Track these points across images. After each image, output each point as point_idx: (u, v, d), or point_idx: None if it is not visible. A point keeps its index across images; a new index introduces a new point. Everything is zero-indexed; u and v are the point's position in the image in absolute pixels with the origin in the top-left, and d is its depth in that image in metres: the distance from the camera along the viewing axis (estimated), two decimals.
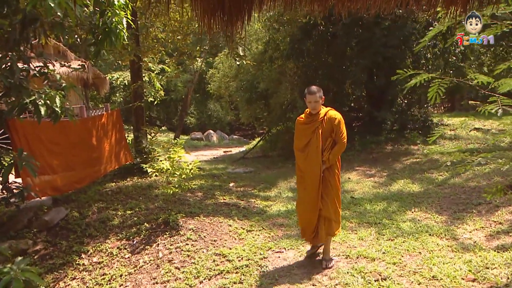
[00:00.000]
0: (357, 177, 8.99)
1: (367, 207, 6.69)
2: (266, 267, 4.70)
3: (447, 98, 21.04)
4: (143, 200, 7.48)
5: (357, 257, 4.69)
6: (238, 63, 7.82)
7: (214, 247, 5.42)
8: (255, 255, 5.01)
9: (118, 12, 4.73)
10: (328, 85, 12.76)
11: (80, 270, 5.39)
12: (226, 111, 32.85)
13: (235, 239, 5.67)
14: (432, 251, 4.66)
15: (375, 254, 4.68)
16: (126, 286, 4.81)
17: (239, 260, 4.93)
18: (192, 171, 6.22)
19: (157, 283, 4.72)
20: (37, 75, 5.37)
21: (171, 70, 28.97)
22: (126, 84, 25.36)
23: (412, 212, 6.25)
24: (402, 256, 4.60)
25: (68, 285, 5.11)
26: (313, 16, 12.06)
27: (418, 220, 5.86)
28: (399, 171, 9.00)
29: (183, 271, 4.84)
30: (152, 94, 13.16)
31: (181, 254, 5.30)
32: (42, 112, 4.00)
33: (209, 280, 4.58)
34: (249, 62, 8.43)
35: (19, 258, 3.96)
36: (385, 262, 4.48)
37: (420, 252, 4.66)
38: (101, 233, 6.28)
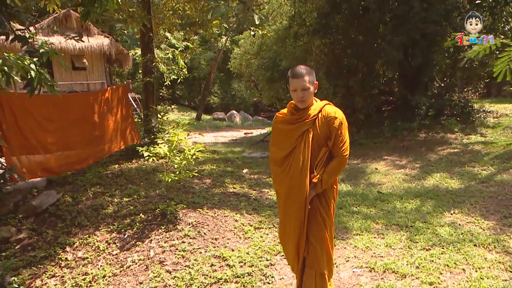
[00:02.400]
0: (385, 168, 8.06)
1: (397, 205, 5.79)
2: (272, 277, 3.93)
3: (483, 83, 19.67)
4: (144, 185, 6.78)
5: (384, 271, 3.85)
6: (253, 33, 6.92)
7: (214, 247, 4.67)
8: (260, 261, 4.23)
9: None
10: (358, 65, 11.75)
11: (61, 266, 4.75)
12: (251, 91, 32.00)
13: (239, 238, 4.90)
14: (479, 268, 3.77)
15: (406, 269, 3.83)
16: None
17: (241, 266, 4.17)
18: (194, 156, 5.45)
19: None
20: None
21: (194, 45, 28.30)
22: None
23: (451, 214, 5.32)
24: (441, 274, 3.73)
25: (45, 283, 4.48)
26: None
27: (459, 224, 4.94)
28: (434, 163, 8.01)
29: (174, 276, 4.12)
30: (176, 72, 12.49)
31: (175, 254, 4.57)
32: None
33: None
34: (265, 33, 7.55)
35: None
36: (419, 280, 3.63)
37: (463, 269, 3.79)
38: (91, 222, 5.62)
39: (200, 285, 3.90)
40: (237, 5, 6.63)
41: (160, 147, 5.35)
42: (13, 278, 4.51)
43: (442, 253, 4.14)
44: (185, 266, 4.30)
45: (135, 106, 19.16)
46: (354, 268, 3.97)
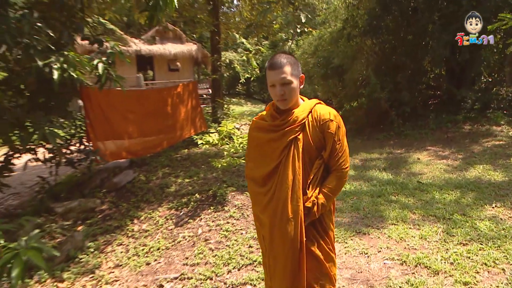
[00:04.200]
0: (428, 158, 7.05)
1: (436, 196, 4.93)
2: None
3: None
4: (204, 169, 6.47)
5: (416, 266, 3.17)
6: (299, 30, 6.34)
7: (255, 229, 4.21)
8: None
9: None
10: (406, 62, 10.55)
11: (128, 236, 4.58)
12: (312, 87, 31.13)
13: None
14: None
15: (440, 265, 3.11)
16: (159, 262, 3.86)
17: None
18: (241, 145, 5.01)
19: (187, 264, 3.68)
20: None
21: (264, 48, 27.89)
22: (228, 62, 24.70)
23: (493, 207, 4.40)
24: (478, 273, 2.98)
25: (114, 250, 4.31)
26: None
27: (501, 219, 4.04)
28: (478, 155, 6.87)
29: (215, 255, 3.74)
30: (249, 71, 12.37)
31: (219, 233, 4.20)
32: (55, 76, 3.02)
33: (238, 270, 3.42)
34: (310, 29, 6.92)
35: (35, 231, 3.14)
36: (453, 278, 2.91)
37: (503, 269, 3.00)
38: (157, 199, 5.43)
39: (236, 265, 3.48)
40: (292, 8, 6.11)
41: (210, 136, 4.99)
42: (90, 243, 4.41)
43: (480, 250, 3.35)
44: (226, 246, 3.90)
45: None
46: (385, 260, 3.33)
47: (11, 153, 4.74)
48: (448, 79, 10.85)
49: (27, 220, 3.31)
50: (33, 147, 4.96)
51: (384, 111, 9.98)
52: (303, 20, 5.07)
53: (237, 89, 32.52)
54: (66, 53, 3.19)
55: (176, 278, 3.41)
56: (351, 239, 3.76)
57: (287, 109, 1.90)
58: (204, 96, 18.48)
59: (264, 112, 2.02)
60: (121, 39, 14.52)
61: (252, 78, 28.32)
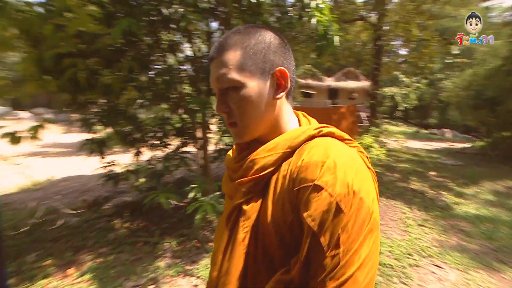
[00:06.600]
0: None
1: None
2: (410, 278, 2.46)
3: None
4: None
5: None
6: (448, 61, 4.82)
7: None
8: (407, 257, 2.79)
9: (315, 13, 3.24)
10: None
11: None
12: (464, 116, 24.56)
13: (399, 229, 3.44)
14: None
15: None
16: None
17: (387, 256, 2.82)
18: (377, 156, 4.20)
19: None
20: None
21: (422, 85, 24.42)
22: (389, 94, 22.41)
23: None
24: None
25: None
26: None
27: None
28: None
29: None
30: (408, 102, 11.89)
31: None
32: None
33: None
34: (462, 60, 5.13)
35: (217, 192, 3.39)
36: None
37: None
38: None
39: None
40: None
41: None
42: None
43: None
44: None
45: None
46: None
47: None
48: None
49: (192, 187, 3.47)
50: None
51: None
52: (456, 52, 3.78)
53: (396, 115, 29.40)
54: None
55: None
56: (476, 271, 2.56)
57: (252, 142, 0.60)
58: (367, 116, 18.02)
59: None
60: (320, 78, 16.41)
61: (411, 108, 24.96)
